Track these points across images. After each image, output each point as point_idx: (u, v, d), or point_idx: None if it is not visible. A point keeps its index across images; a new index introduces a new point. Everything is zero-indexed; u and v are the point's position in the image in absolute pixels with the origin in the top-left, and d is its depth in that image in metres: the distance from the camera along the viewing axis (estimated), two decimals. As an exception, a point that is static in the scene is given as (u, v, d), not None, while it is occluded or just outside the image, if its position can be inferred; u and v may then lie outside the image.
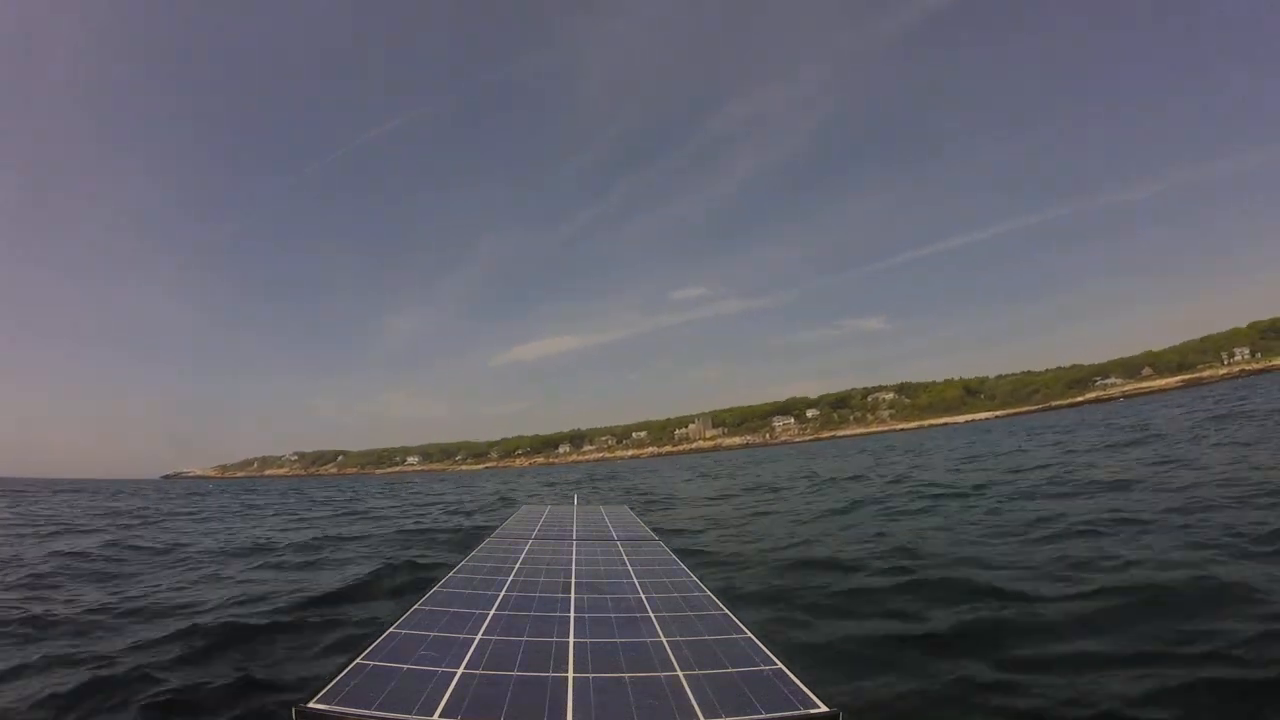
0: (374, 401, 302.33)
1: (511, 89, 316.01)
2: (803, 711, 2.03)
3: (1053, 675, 4.04)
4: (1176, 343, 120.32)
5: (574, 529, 6.42)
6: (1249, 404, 26.62)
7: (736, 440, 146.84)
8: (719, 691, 2.20)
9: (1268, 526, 6.86)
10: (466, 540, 9.62)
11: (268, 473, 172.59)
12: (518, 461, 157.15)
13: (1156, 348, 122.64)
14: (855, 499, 14.04)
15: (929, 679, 4.16)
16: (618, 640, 2.80)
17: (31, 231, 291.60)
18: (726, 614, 3.16)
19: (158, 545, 12.78)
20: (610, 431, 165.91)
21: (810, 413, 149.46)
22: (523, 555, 4.83)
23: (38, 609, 7.02)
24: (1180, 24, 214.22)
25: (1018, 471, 15.79)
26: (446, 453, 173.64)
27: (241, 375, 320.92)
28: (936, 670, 4.28)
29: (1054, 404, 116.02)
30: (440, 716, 2.00)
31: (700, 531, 11.50)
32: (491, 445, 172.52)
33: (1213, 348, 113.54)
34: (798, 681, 2.26)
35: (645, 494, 21.80)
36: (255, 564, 10.24)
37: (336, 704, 2.01)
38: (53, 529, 16.30)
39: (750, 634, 2.82)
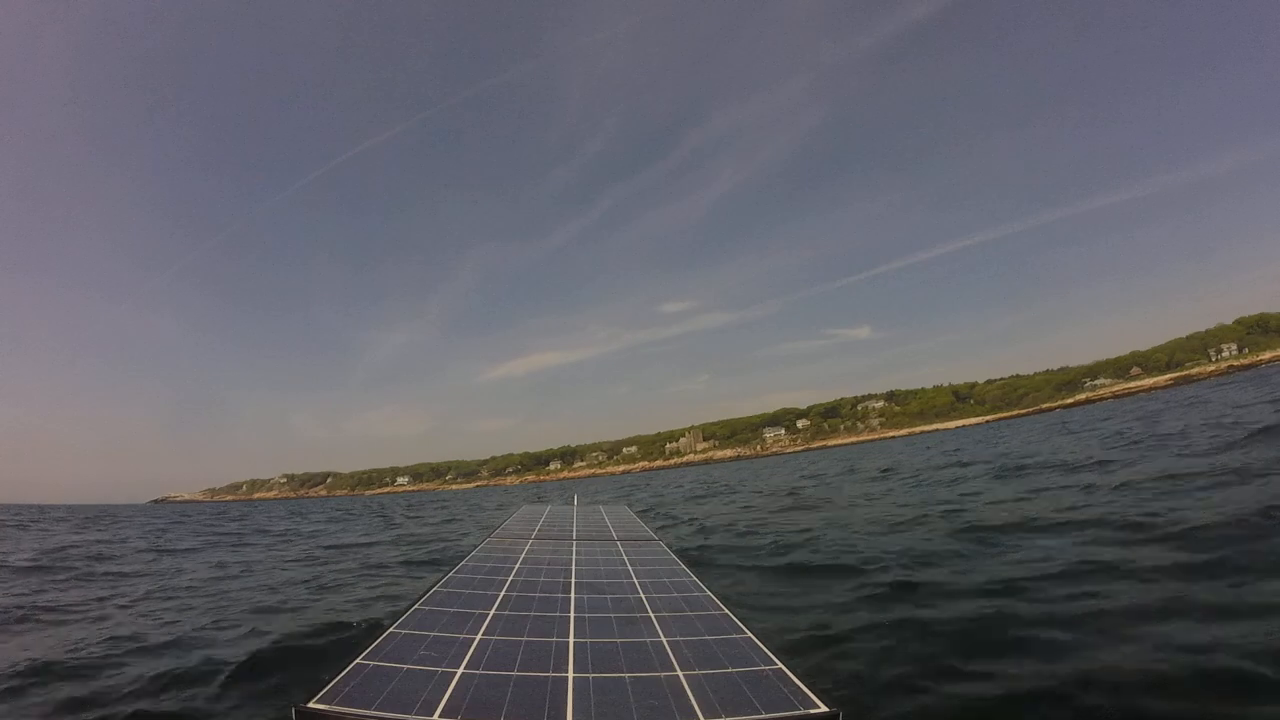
0: (360, 420, 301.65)
1: (495, 102, 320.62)
2: (803, 711, 2.00)
3: None
4: (1164, 341, 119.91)
5: (574, 529, 6.39)
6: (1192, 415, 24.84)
7: (728, 453, 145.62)
8: (719, 691, 2.17)
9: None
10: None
11: (256, 495, 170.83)
12: (509, 480, 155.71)
13: (1144, 347, 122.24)
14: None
15: None
16: (618, 640, 2.78)
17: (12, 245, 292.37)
18: (726, 614, 3.13)
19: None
20: (600, 447, 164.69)
21: (801, 423, 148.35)
22: (523, 555, 4.80)
23: None
24: (1158, 28, 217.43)
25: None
26: (436, 472, 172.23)
27: (225, 394, 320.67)
28: None
29: (1044, 406, 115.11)
30: (440, 716, 1.97)
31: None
32: (481, 464, 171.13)
33: (1200, 345, 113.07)
34: (798, 681, 2.22)
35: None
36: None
37: (336, 704, 1.99)
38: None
39: (750, 634, 2.79)
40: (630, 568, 4.40)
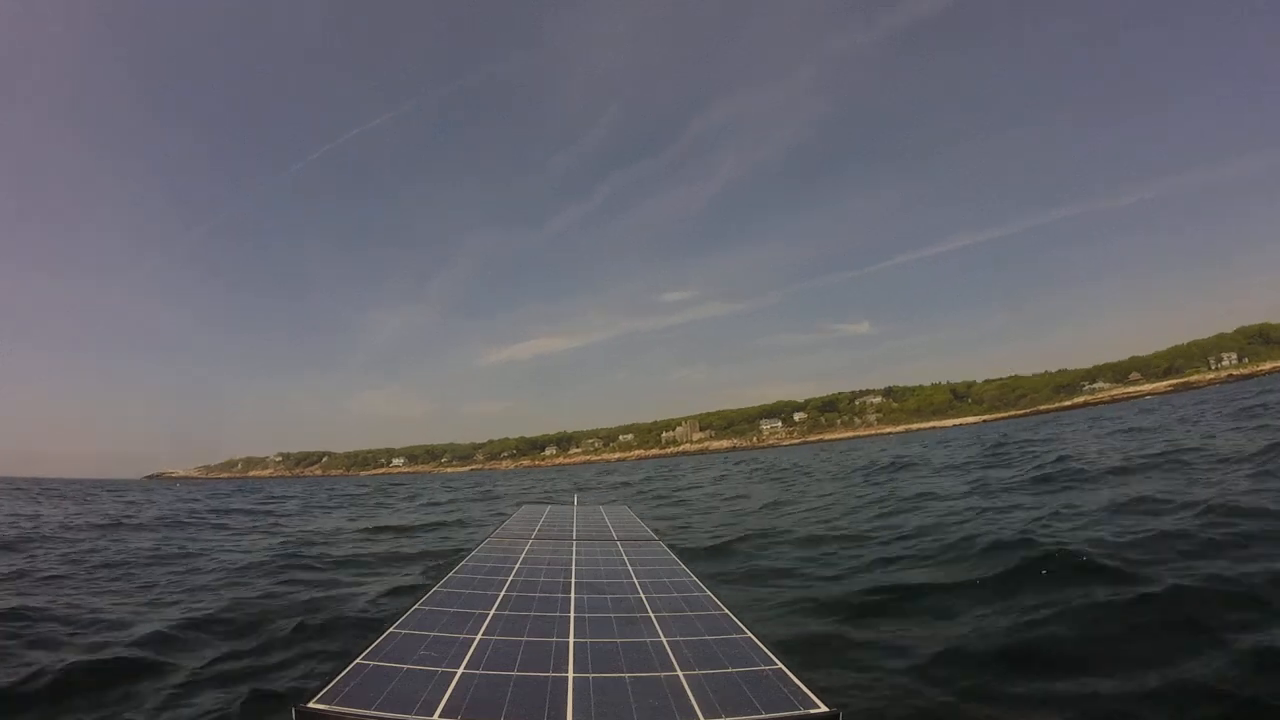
0: (357, 400, 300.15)
1: (496, 86, 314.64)
2: (803, 711, 2.00)
3: None
4: (1165, 348, 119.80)
5: (574, 529, 6.34)
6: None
7: (724, 443, 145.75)
8: (719, 691, 2.16)
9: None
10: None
11: (252, 473, 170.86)
12: (504, 464, 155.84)
13: (1144, 353, 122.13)
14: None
15: None
16: (618, 640, 2.75)
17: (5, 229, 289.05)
18: (726, 614, 3.10)
19: None
20: (597, 434, 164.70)
21: (798, 415, 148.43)
22: (522, 555, 4.75)
23: None
24: (1166, 33, 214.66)
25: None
26: (432, 454, 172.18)
27: (221, 373, 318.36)
28: None
29: (1042, 408, 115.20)
30: (440, 716, 1.96)
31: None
32: (477, 447, 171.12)
33: (1201, 353, 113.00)
34: (798, 681, 2.21)
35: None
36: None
37: (336, 704, 1.98)
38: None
39: (750, 634, 2.77)
40: (630, 568, 4.38)
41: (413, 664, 2.37)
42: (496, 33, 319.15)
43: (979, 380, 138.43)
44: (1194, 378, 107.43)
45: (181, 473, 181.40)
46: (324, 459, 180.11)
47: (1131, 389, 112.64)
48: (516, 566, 4.32)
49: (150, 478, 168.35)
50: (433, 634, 2.73)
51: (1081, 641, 4.46)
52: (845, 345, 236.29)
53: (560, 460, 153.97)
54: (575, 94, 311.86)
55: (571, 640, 2.74)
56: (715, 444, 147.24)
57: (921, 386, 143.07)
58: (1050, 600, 5.19)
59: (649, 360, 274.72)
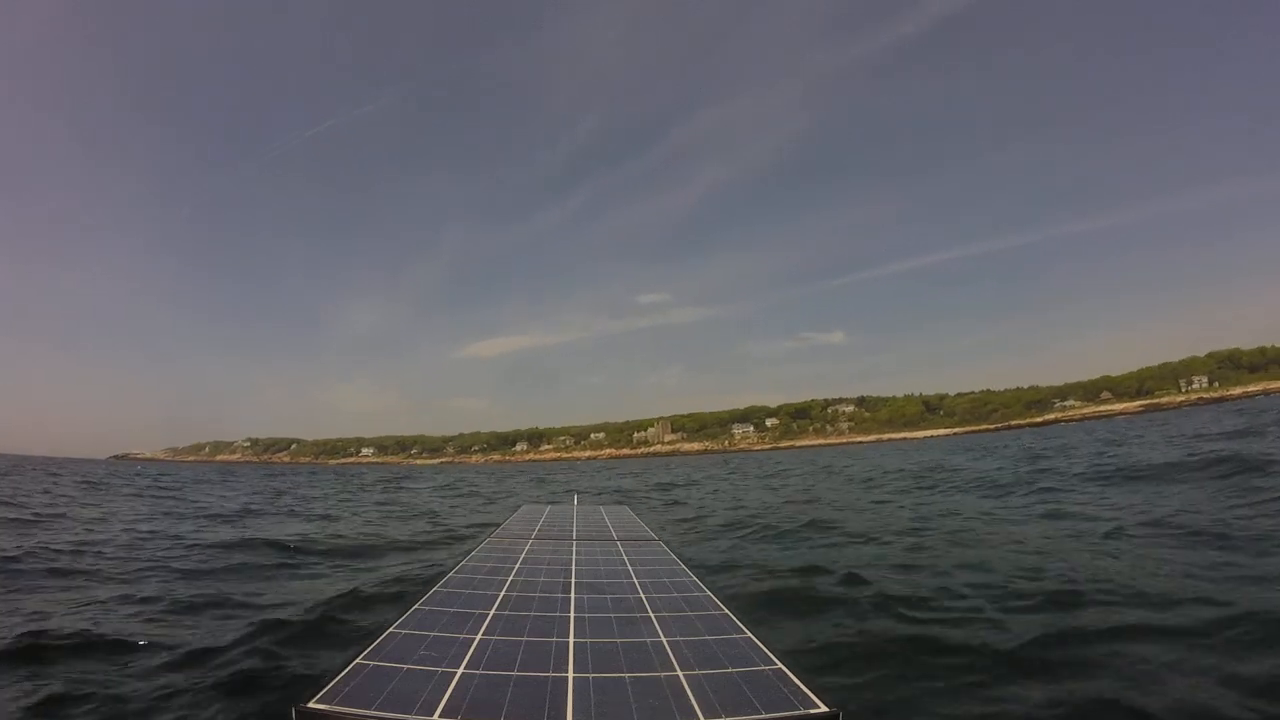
0: (327, 389, 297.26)
1: (479, 81, 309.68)
2: (803, 711, 1.99)
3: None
4: (1135, 369, 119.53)
5: (574, 529, 6.31)
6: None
7: (696, 446, 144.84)
8: (719, 691, 2.16)
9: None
10: None
11: (219, 458, 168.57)
12: (474, 458, 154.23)
13: (1115, 373, 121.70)
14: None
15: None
16: (618, 640, 2.72)
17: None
18: (726, 614, 3.08)
19: None
20: (569, 431, 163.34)
21: (770, 421, 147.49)
22: (522, 555, 4.73)
23: None
24: (1156, 58, 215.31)
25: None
26: (401, 445, 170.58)
27: (191, 356, 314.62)
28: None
29: (1013, 423, 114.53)
30: (440, 716, 1.96)
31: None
32: (448, 440, 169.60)
33: (1171, 375, 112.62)
34: (798, 681, 2.21)
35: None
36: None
37: (336, 704, 1.97)
38: None
39: (750, 634, 2.75)
40: (630, 568, 4.36)
41: (413, 664, 2.34)
42: (482, 26, 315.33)
43: (951, 394, 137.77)
44: (1164, 399, 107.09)
45: (148, 454, 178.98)
46: (293, 446, 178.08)
47: (1103, 408, 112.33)
48: (516, 566, 4.28)
49: (115, 458, 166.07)
50: (433, 634, 2.70)
51: None
52: (819, 354, 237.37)
53: (531, 456, 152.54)
54: (560, 92, 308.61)
55: (571, 640, 2.71)
56: (687, 446, 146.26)
57: (894, 398, 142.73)
58: None
59: (623, 361, 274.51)
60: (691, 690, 2.16)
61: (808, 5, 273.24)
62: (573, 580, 3.90)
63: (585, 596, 3.49)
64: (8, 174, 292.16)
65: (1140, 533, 7.89)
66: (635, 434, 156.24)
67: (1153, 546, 7.16)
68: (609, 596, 3.51)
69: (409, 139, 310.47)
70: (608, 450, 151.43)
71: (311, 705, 1.93)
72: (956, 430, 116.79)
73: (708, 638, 2.74)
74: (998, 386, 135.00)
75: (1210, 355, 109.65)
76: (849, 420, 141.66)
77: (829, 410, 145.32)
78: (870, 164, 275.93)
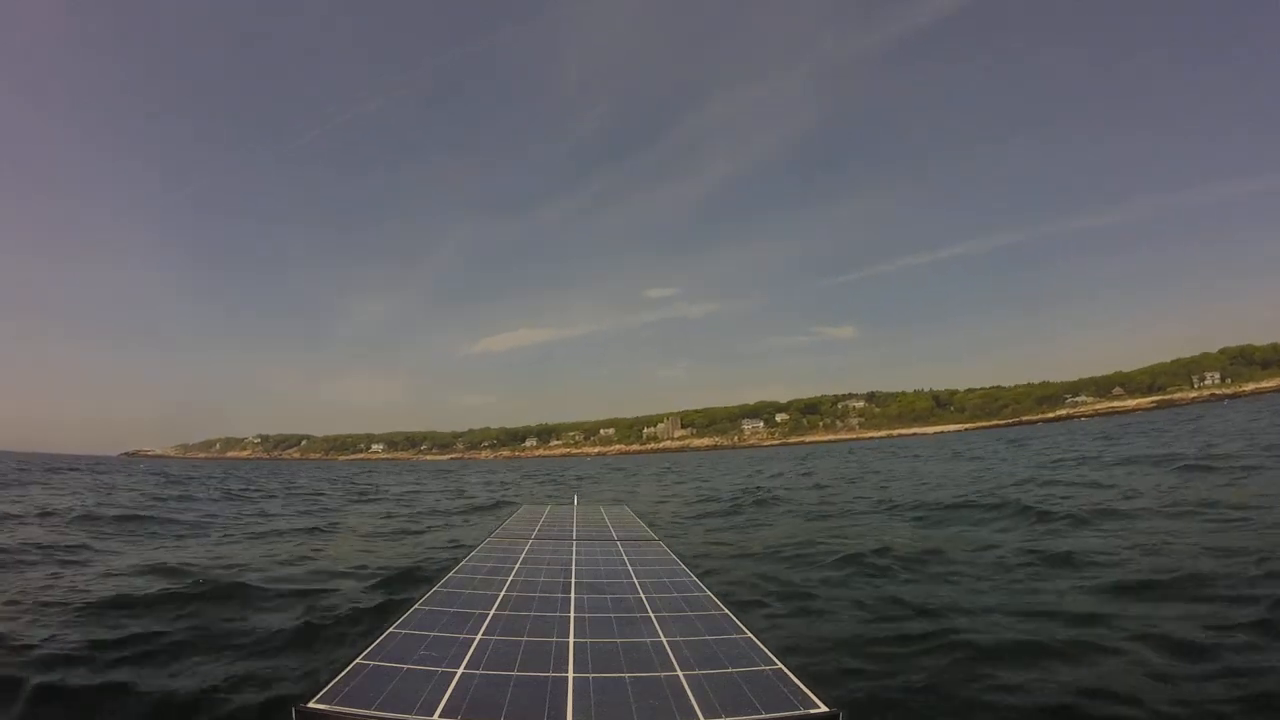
0: (337, 385, 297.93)
1: (488, 73, 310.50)
2: (803, 711, 2.00)
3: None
4: (1148, 364, 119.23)
5: (574, 529, 6.35)
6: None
7: (705, 441, 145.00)
8: (719, 691, 2.17)
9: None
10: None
11: (230, 454, 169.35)
12: (483, 454, 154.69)
13: (1128, 368, 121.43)
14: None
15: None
16: (618, 640, 2.74)
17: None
18: (726, 614, 3.10)
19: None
20: (578, 427, 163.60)
21: (780, 417, 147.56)
22: (523, 555, 4.76)
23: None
24: (1161, 53, 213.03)
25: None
26: (411, 442, 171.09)
27: (202, 351, 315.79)
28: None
29: (1025, 419, 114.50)
30: (440, 716, 1.97)
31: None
32: (457, 436, 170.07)
33: (1184, 371, 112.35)
34: (798, 681, 2.21)
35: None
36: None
37: (336, 704, 1.98)
38: None
39: (750, 634, 2.76)
40: (630, 568, 4.37)
41: (413, 664, 2.35)
42: (491, 17, 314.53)
43: (962, 389, 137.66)
44: (1176, 395, 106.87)
45: (159, 451, 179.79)
46: (303, 442, 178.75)
47: (1115, 403, 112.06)
48: (516, 566, 4.29)
49: (127, 455, 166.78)
50: (433, 634, 2.70)
51: None
52: (830, 349, 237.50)
53: (541, 452, 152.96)
54: (569, 84, 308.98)
55: (571, 640, 2.71)
56: (697, 441, 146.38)
57: (904, 393, 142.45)
58: None
59: (633, 355, 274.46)
60: (691, 690, 2.18)
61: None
62: (573, 580, 3.91)
63: (585, 596, 3.50)
64: (14, 172, 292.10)
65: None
66: (645, 429, 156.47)
67: None
68: (609, 596, 3.52)
69: (418, 131, 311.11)
70: (617, 446, 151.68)
71: (311, 705, 1.94)
72: (966, 426, 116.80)
73: (708, 638, 2.76)
74: (1008, 382, 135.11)
75: (1223, 351, 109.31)
76: (859, 416, 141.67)
77: (839, 406, 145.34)
78: (883, 155, 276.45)
